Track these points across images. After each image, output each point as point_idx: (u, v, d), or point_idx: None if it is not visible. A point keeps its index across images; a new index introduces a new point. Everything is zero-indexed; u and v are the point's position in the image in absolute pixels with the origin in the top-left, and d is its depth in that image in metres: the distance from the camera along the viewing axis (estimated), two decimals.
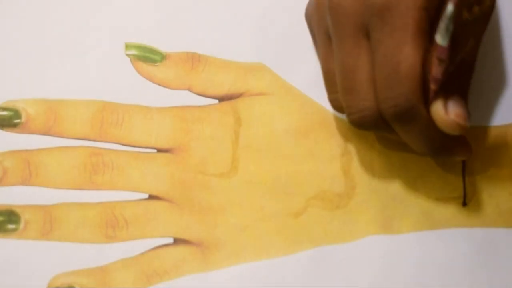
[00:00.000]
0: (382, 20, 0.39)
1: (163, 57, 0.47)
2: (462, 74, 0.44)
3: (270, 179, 0.46)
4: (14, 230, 0.45)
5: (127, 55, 0.47)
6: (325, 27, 0.42)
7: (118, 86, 0.47)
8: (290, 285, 0.45)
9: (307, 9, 0.46)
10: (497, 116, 0.46)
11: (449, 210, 0.45)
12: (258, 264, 0.45)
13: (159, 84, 0.47)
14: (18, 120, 0.46)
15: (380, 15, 0.39)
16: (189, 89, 0.47)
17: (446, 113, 0.40)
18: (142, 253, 0.45)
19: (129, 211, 0.46)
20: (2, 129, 0.46)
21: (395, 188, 0.45)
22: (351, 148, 0.46)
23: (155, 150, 0.46)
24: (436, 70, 0.39)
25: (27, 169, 0.46)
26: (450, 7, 0.38)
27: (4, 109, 0.47)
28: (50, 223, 0.45)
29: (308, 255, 0.45)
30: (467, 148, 0.43)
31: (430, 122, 0.40)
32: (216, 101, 0.47)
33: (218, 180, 0.46)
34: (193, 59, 0.47)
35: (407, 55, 0.39)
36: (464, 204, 0.45)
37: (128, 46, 0.47)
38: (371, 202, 0.45)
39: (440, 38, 0.38)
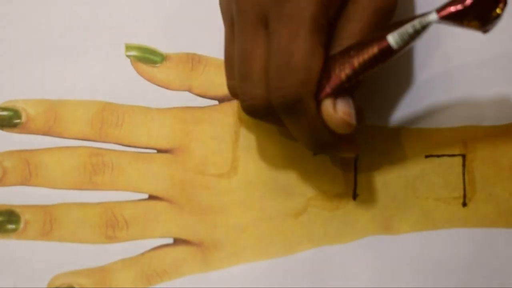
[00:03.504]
0: (281, 11, 0.40)
1: (163, 58, 0.47)
2: None
3: (270, 179, 0.46)
4: (14, 230, 0.45)
5: (127, 56, 0.47)
6: (231, 13, 0.42)
7: (118, 87, 0.47)
8: (290, 285, 0.45)
9: None
10: (497, 116, 0.46)
11: (449, 210, 0.45)
12: (258, 264, 0.45)
13: (159, 85, 0.47)
14: (18, 120, 0.46)
15: (279, 5, 0.40)
16: (189, 90, 0.47)
17: (334, 111, 0.40)
18: (142, 253, 0.45)
19: (129, 211, 0.46)
20: (2, 129, 0.46)
21: (395, 188, 0.45)
22: None
23: (155, 151, 0.46)
24: (353, 67, 0.39)
25: (27, 169, 0.46)
26: (432, 16, 0.38)
27: (4, 109, 0.47)
28: (50, 223, 0.45)
29: (308, 255, 0.45)
30: (353, 146, 0.43)
31: (317, 117, 0.40)
32: (216, 102, 0.47)
33: (218, 180, 0.46)
34: (193, 60, 0.47)
35: (300, 47, 0.39)
36: (464, 204, 0.45)
37: (128, 47, 0.47)
38: (371, 202, 0.45)
39: (395, 39, 0.38)
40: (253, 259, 0.45)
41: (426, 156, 0.46)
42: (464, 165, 0.45)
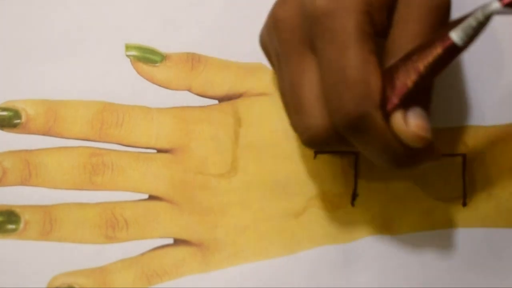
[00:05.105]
0: (323, 27, 0.37)
1: (163, 57, 0.47)
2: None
3: (270, 179, 0.46)
4: (14, 230, 0.45)
5: (127, 55, 0.47)
6: (275, 47, 0.41)
7: (118, 87, 0.47)
8: (290, 285, 0.45)
9: (260, 37, 0.43)
10: (497, 116, 0.46)
11: (449, 210, 0.45)
12: (258, 264, 0.45)
13: (159, 85, 0.47)
14: (18, 121, 0.46)
15: (320, 23, 0.38)
16: (189, 90, 0.47)
17: (406, 125, 0.37)
18: (142, 254, 0.45)
19: (129, 212, 0.46)
20: (2, 129, 0.46)
21: (395, 188, 0.45)
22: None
23: (155, 151, 0.46)
24: (414, 75, 0.37)
25: (26, 169, 0.46)
26: (495, 5, 0.34)
27: (4, 109, 0.47)
28: (50, 223, 0.45)
29: (308, 255, 0.45)
30: (433, 153, 0.40)
31: (387, 131, 0.37)
32: (216, 101, 0.47)
33: (218, 180, 0.46)
34: (193, 60, 0.47)
35: (351, 59, 0.37)
36: (464, 204, 0.45)
37: (128, 47, 0.47)
38: (371, 202, 0.45)
39: (460, 35, 0.36)
40: (253, 259, 0.45)
41: None
42: (464, 165, 0.45)
